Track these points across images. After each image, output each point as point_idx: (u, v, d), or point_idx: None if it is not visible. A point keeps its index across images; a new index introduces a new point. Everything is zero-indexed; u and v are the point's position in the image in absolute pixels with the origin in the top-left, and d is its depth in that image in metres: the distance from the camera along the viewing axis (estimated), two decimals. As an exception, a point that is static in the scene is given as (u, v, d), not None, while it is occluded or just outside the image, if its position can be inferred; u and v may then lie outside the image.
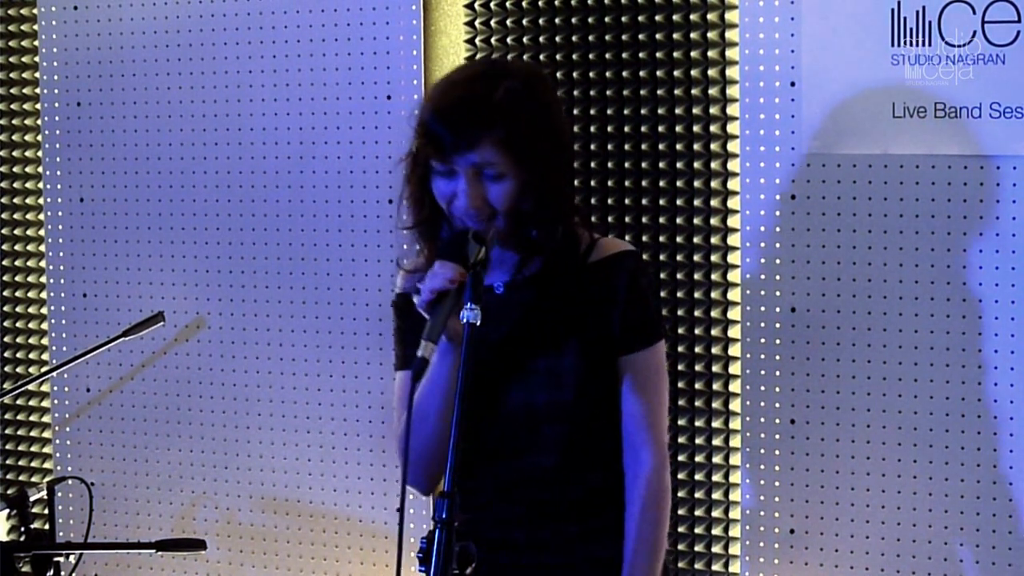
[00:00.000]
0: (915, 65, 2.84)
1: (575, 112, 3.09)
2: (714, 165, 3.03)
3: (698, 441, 3.09)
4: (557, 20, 3.12)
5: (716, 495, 3.09)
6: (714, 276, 3.05)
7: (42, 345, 3.70)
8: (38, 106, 3.64)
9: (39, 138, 3.65)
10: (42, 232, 3.66)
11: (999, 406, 2.86)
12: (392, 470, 3.35)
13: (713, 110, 3.02)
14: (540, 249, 2.23)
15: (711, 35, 3.01)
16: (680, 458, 3.08)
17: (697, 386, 3.08)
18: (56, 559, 2.89)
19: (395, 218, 3.25)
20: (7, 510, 3.02)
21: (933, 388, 2.90)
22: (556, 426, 2.25)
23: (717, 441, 3.08)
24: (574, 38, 3.11)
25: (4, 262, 3.72)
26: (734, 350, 3.05)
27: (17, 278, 3.72)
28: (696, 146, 3.04)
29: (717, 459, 3.08)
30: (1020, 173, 2.81)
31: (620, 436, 2.28)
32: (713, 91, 3.02)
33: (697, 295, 3.06)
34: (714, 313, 3.06)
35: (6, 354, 3.75)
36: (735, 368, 3.05)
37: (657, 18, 3.04)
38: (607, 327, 2.24)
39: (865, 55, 2.86)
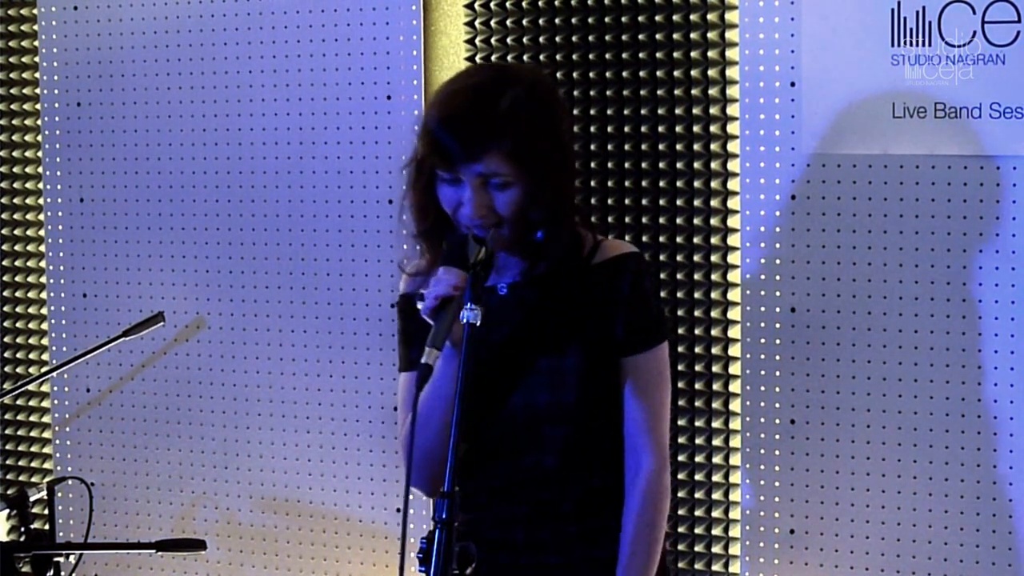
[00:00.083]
0: (915, 65, 2.84)
1: (575, 112, 3.09)
2: (714, 165, 3.03)
3: (698, 441, 3.09)
4: (557, 20, 3.12)
5: (716, 495, 3.09)
6: (714, 276, 3.05)
7: (42, 345, 3.70)
8: (38, 106, 3.64)
9: (39, 138, 3.65)
10: (42, 232, 3.66)
11: (999, 406, 2.86)
12: (392, 470, 3.35)
13: (713, 110, 3.02)
14: (545, 254, 2.23)
15: (711, 35, 3.01)
16: (680, 458, 3.08)
17: (697, 386, 3.08)
18: (56, 559, 2.89)
19: (395, 219, 3.27)
20: (7, 510, 3.02)
21: (933, 388, 2.90)
22: (557, 427, 2.25)
23: (717, 441, 3.08)
24: (574, 38, 3.11)
25: (4, 262, 3.73)
26: (734, 350, 3.05)
27: (17, 278, 3.72)
28: (696, 146, 3.04)
29: (717, 459, 3.08)
30: (1020, 173, 2.81)
31: (621, 437, 2.28)
32: (713, 91, 3.02)
33: (697, 295, 3.06)
34: (714, 313, 3.06)
35: (6, 354, 3.75)
36: (735, 368, 3.05)
37: (657, 18, 3.04)
38: (609, 328, 2.24)
39: (865, 55, 2.86)
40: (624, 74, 3.07)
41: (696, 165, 3.04)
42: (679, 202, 3.06)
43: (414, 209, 2.26)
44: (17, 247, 3.71)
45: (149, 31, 3.48)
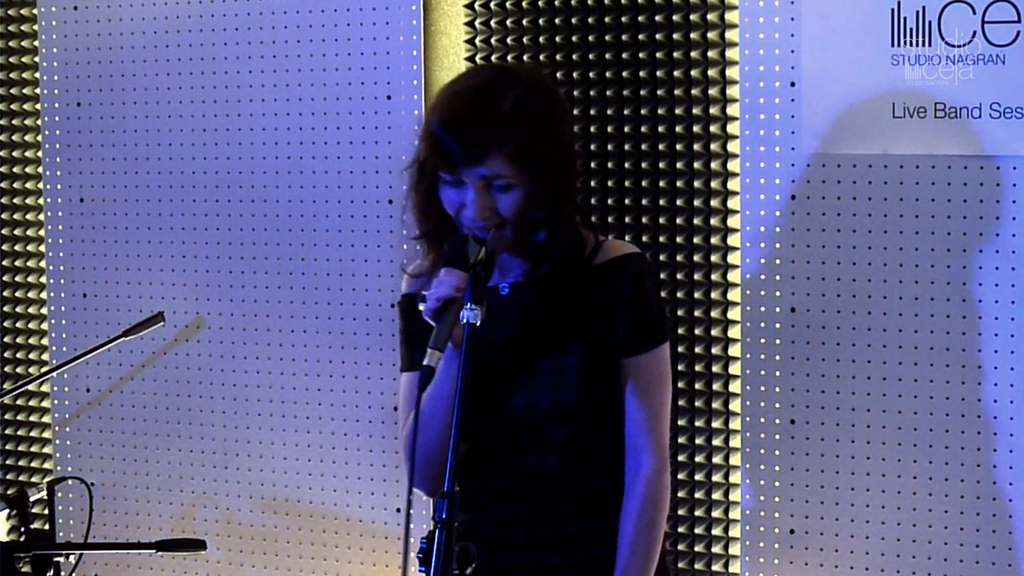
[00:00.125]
0: (915, 65, 2.84)
1: (575, 112, 3.09)
2: (714, 165, 3.03)
3: (698, 441, 3.09)
4: (557, 20, 3.12)
5: (716, 495, 3.09)
6: (714, 276, 3.05)
7: (42, 345, 3.70)
8: (38, 106, 3.64)
9: (39, 138, 3.65)
10: (42, 232, 3.66)
11: (999, 406, 2.86)
12: (392, 470, 3.35)
13: (713, 110, 3.02)
14: (547, 254, 2.23)
15: (711, 35, 3.01)
16: (680, 458, 3.08)
17: (697, 386, 3.08)
18: (56, 559, 2.89)
19: (395, 219, 3.28)
20: (7, 510, 3.02)
21: (933, 388, 2.90)
22: (558, 427, 2.25)
23: (717, 441, 3.08)
24: (574, 38, 3.11)
25: (4, 262, 3.73)
26: (734, 350, 3.05)
27: (17, 278, 3.72)
28: (696, 146, 3.04)
29: (717, 459, 3.08)
30: (1020, 173, 2.81)
31: (622, 437, 2.28)
32: (713, 91, 3.02)
33: (697, 295, 3.06)
34: (714, 313, 3.06)
35: (6, 354, 3.75)
36: (735, 368, 3.05)
37: (657, 18, 3.04)
38: (611, 329, 2.24)
39: (865, 55, 2.86)
40: (624, 74, 3.07)
41: (696, 165, 3.04)
42: (679, 202, 3.06)
43: (416, 211, 2.26)
44: (17, 247, 3.71)
45: (149, 31, 3.48)
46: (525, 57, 3.15)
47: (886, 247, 2.91)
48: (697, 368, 3.07)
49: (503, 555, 2.29)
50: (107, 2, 3.52)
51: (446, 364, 2.15)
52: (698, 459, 3.09)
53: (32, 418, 3.74)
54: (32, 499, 3.00)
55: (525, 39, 3.15)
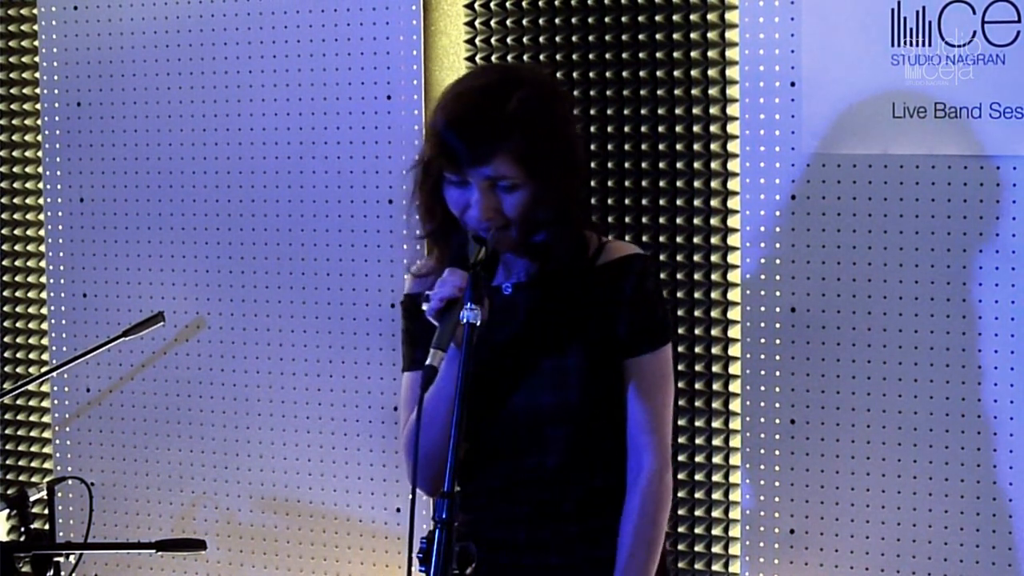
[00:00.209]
0: (915, 65, 2.84)
1: (575, 112, 3.09)
2: (714, 165, 3.03)
3: (698, 441, 3.09)
4: (557, 20, 3.12)
5: (716, 495, 3.09)
6: (714, 276, 3.05)
7: (42, 345, 3.70)
8: (38, 106, 3.64)
9: (39, 138, 3.65)
10: (42, 232, 3.66)
11: (999, 406, 2.86)
12: (392, 470, 3.35)
13: (713, 110, 3.02)
14: (551, 255, 2.23)
15: (711, 35, 3.01)
16: (680, 458, 3.08)
17: (697, 386, 3.08)
18: (56, 559, 2.89)
19: (395, 219, 3.28)
20: (7, 510, 3.02)
21: (933, 388, 2.90)
22: (559, 427, 2.25)
23: (717, 441, 3.08)
24: (574, 38, 3.11)
25: (4, 262, 3.73)
26: (734, 350, 3.05)
27: (17, 278, 3.72)
28: (696, 146, 3.04)
29: (717, 459, 3.08)
30: (1020, 173, 2.81)
31: (623, 437, 2.28)
32: (713, 91, 3.02)
33: (697, 295, 3.06)
34: (714, 313, 3.06)
35: (6, 354, 3.75)
36: (735, 368, 3.05)
37: (657, 18, 3.04)
38: (612, 329, 2.24)
39: (865, 55, 2.86)
40: (624, 74, 3.08)
41: (696, 165, 3.04)
42: (679, 202, 3.06)
43: (421, 211, 2.26)
44: (17, 247, 3.71)
45: (149, 31, 3.48)
46: (525, 57, 3.15)
47: (886, 247, 2.91)
48: (697, 368, 3.07)
49: (503, 555, 2.29)
50: (107, 2, 3.52)
51: (448, 364, 2.15)
52: (698, 459, 3.09)
53: (32, 418, 3.74)
54: (32, 499, 3.00)
55: (525, 39, 3.15)
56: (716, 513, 3.09)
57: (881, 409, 2.94)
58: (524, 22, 3.15)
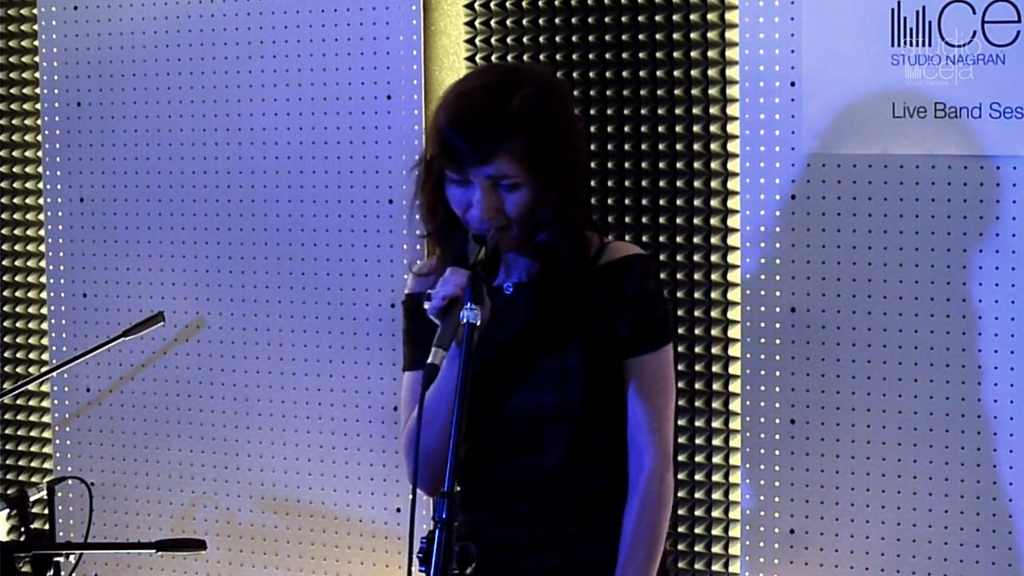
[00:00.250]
0: (915, 65, 2.84)
1: (577, 112, 3.09)
2: (714, 165, 3.03)
3: (698, 441, 3.09)
4: (557, 20, 3.12)
5: (716, 495, 3.09)
6: (714, 276, 3.05)
7: (42, 345, 3.70)
8: (38, 106, 3.64)
9: (39, 138, 3.65)
10: (42, 232, 3.66)
11: (999, 406, 2.86)
12: (392, 470, 3.35)
13: (713, 110, 3.02)
14: (553, 254, 2.23)
15: (711, 35, 3.01)
16: (680, 458, 3.08)
17: (697, 386, 3.08)
18: (56, 559, 2.89)
19: (395, 219, 3.28)
20: (7, 510, 3.02)
21: (933, 388, 2.90)
22: (558, 427, 2.25)
23: (717, 441, 3.08)
24: (574, 38, 3.11)
25: (4, 262, 3.73)
26: (734, 350, 3.05)
27: (17, 278, 3.72)
28: (696, 146, 3.04)
29: (717, 459, 3.08)
30: (1020, 173, 2.81)
31: (623, 437, 2.28)
32: (713, 91, 3.02)
33: (697, 295, 3.06)
34: (714, 313, 3.06)
35: (6, 354, 3.75)
36: (735, 368, 3.05)
37: (657, 18, 3.04)
38: (612, 329, 2.24)
39: (865, 55, 2.86)
40: (624, 74, 3.08)
41: (696, 165, 3.04)
42: (679, 202, 3.06)
43: (423, 209, 2.26)
44: (17, 247, 3.71)
45: (149, 31, 3.48)
46: (525, 57, 3.15)
47: (886, 247, 2.91)
48: (697, 368, 3.07)
49: (503, 555, 2.29)
50: (107, 2, 3.52)
51: (449, 363, 2.15)
52: (698, 459, 3.09)
53: (32, 418, 3.74)
54: (32, 499, 3.00)
55: (525, 39, 3.15)
56: (716, 513, 3.09)
57: (881, 409, 2.94)
58: (524, 22, 3.15)
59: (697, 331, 3.06)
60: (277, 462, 3.46)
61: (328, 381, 3.39)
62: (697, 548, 3.10)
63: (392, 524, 3.36)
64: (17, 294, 3.72)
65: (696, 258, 3.05)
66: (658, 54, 3.05)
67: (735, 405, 3.06)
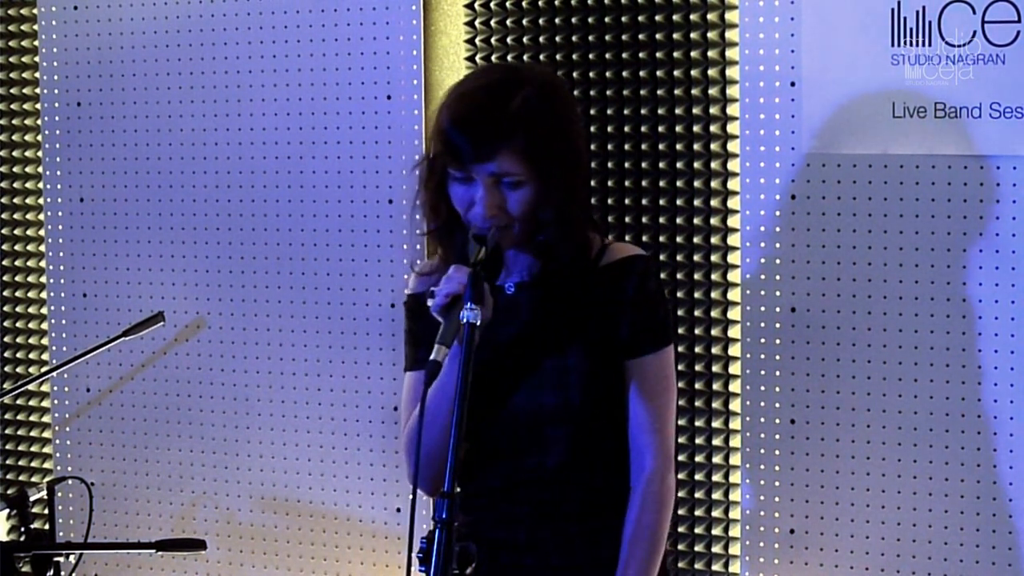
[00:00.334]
0: (915, 65, 2.84)
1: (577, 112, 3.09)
2: (714, 165, 3.03)
3: (698, 441, 3.09)
4: (557, 20, 3.13)
5: (716, 495, 3.09)
6: (714, 276, 3.05)
7: (42, 345, 3.70)
8: (38, 106, 3.64)
9: (39, 138, 3.65)
10: (42, 232, 3.66)
11: (999, 406, 2.86)
12: (392, 470, 3.35)
13: (713, 110, 3.02)
14: (555, 254, 2.23)
15: (711, 35, 3.01)
16: (680, 458, 3.08)
17: (697, 386, 3.08)
18: (56, 559, 2.89)
19: (395, 219, 3.28)
20: (7, 510, 3.02)
21: (933, 388, 2.90)
22: (559, 427, 2.25)
23: (717, 441, 3.08)
24: (574, 38, 3.11)
25: (4, 262, 3.73)
26: (734, 350, 3.05)
27: (17, 278, 3.72)
28: (696, 146, 3.04)
29: (717, 459, 3.08)
30: (1020, 173, 2.81)
31: (624, 437, 2.28)
32: (713, 91, 3.02)
33: (697, 295, 3.06)
34: (714, 313, 3.06)
35: (6, 354, 3.75)
36: (735, 368, 3.05)
37: (657, 18, 3.04)
38: (613, 330, 2.25)
39: (865, 55, 2.86)
40: (624, 74, 3.08)
41: (696, 165, 3.04)
42: (679, 202, 3.06)
43: (426, 208, 2.26)
44: (17, 247, 3.71)
45: (149, 31, 3.48)
46: (525, 57, 3.15)
47: (886, 247, 2.91)
48: (697, 368, 3.07)
49: (504, 555, 2.29)
50: (107, 2, 3.52)
51: (451, 361, 2.15)
52: (698, 459, 3.09)
53: (32, 418, 3.74)
54: (32, 499, 3.00)
55: (525, 39, 3.15)
56: (716, 513, 3.09)
57: (881, 409, 2.94)
58: (524, 22, 3.15)
59: (697, 331, 3.07)
60: (277, 462, 3.46)
61: (328, 381, 3.39)
62: (697, 548, 3.10)
63: (392, 524, 3.36)
64: (17, 294, 3.72)
65: (696, 258, 3.05)
66: (658, 54, 3.05)
67: (735, 405, 3.06)
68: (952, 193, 2.85)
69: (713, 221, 3.04)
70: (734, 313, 3.05)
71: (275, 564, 3.49)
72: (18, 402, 3.74)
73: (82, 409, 3.65)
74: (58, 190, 3.62)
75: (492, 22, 3.18)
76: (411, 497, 1.98)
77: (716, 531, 3.10)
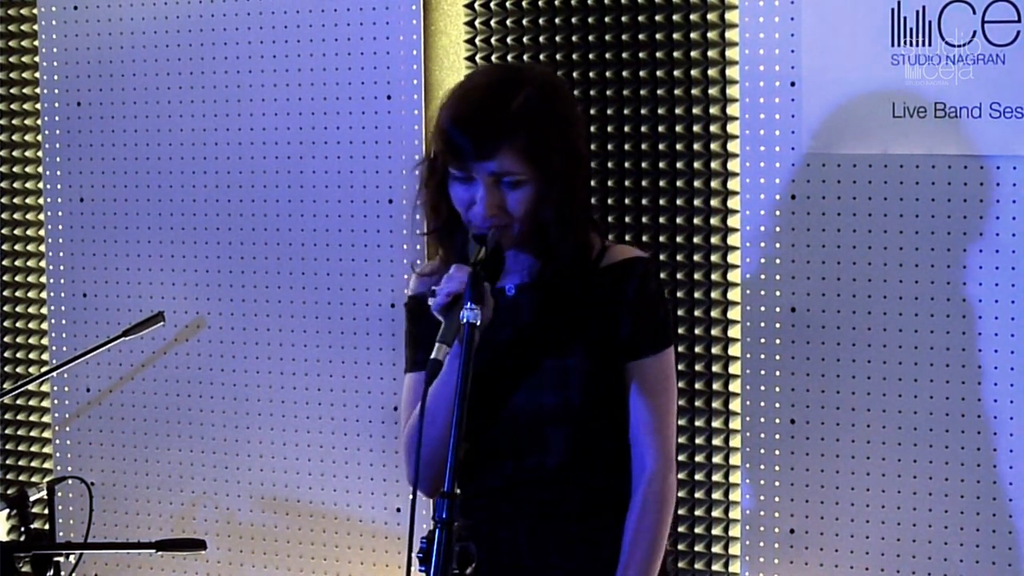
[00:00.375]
0: (915, 65, 2.84)
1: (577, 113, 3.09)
2: (714, 165, 3.03)
3: (698, 441, 3.09)
4: (557, 20, 3.13)
5: (716, 495, 3.09)
6: (714, 276, 3.05)
7: (42, 345, 3.70)
8: (38, 106, 3.64)
9: (39, 138, 3.65)
10: (42, 232, 3.66)
11: (999, 406, 2.86)
12: (392, 470, 3.35)
13: (713, 110, 3.02)
14: (556, 255, 2.23)
15: (711, 35, 3.01)
16: (680, 458, 3.07)
17: (697, 386, 3.08)
18: (56, 559, 2.89)
19: (395, 219, 3.28)
20: (7, 510, 3.02)
21: (933, 388, 2.90)
22: (559, 427, 2.25)
23: (717, 441, 3.08)
24: (574, 38, 3.11)
25: (4, 262, 3.73)
26: (734, 350, 3.05)
27: (17, 278, 3.72)
28: (696, 146, 3.04)
29: (717, 459, 3.08)
30: (1020, 173, 2.81)
31: (624, 438, 2.28)
32: (713, 91, 3.02)
33: (697, 295, 3.06)
34: (714, 313, 3.06)
35: (6, 354, 3.75)
36: (735, 368, 3.05)
37: (657, 18, 3.04)
38: (614, 331, 2.25)
39: (865, 55, 2.86)
40: (624, 74, 3.08)
41: (696, 165, 3.04)
42: (679, 202, 3.06)
43: (426, 207, 2.27)
44: (17, 247, 3.71)
45: (149, 31, 3.48)
46: (525, 57, 3.15)
47: (886, 247, 2.91)
48: (697, 368, 3.07)
49: (504, 555, 2.28)
50: (107, 2, 3.52)
51: (451, 361, 2.15)
52: (698, 459, 3.09)
53: (32, 418, 3.74)
54: (32, 499, 3.00)
55: (525, 39, 3.15)
56: (716, 513, 3.09)
57: (881, 409, 2.94)
58: (524, 22, 3.15)
59: (697, 331, 3.07)
60: (277, 462, 3.46)
61: (328, 381, 3.39)
62: (697, 548, 3.10)
63: (392, 524, 3.36)
64: (17, 294, 3.72)
65: (696, 258, 3.05)
66: (658, 54, 3.05)
67: (735, 405, 3.06)
68: (952, 193, 2.85)
69: (713, 221, 3.04)
70: (734, 313, 3.05)
71: (275, 564, 3.49)
72: (18, 402, 3.74)
73: (82, 409, 3.65)
74: (58, 190, 3.63)
75: (492, 22, 3.18)
76: (411, 497, 1.99)
77: (716, 531, 3.10)
